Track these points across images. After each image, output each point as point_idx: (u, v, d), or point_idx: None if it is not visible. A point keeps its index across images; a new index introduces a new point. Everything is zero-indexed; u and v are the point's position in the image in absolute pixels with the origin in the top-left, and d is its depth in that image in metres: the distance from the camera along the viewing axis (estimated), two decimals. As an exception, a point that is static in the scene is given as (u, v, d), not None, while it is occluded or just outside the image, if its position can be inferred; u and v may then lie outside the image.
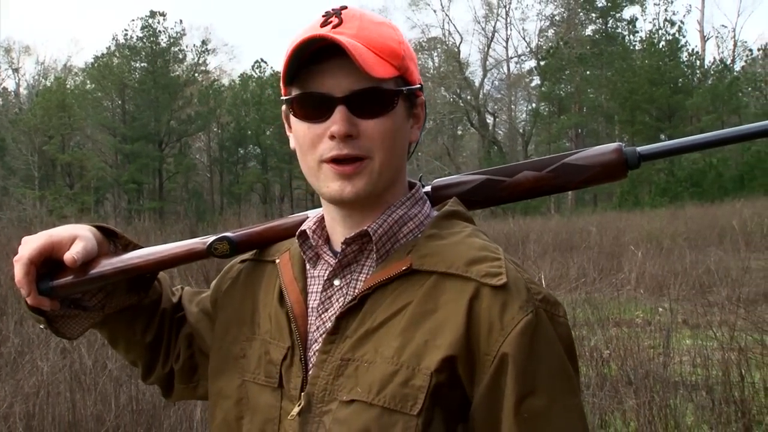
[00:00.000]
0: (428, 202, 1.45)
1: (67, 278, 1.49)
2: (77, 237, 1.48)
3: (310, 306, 1.40)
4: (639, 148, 1.48)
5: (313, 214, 1.50)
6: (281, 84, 1.37)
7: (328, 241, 1.44)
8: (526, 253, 15.16)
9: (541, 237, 18.29)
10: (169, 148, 52.23)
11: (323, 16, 1.35)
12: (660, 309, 9.52)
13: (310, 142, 1.33)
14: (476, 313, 1.25)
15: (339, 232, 1.41)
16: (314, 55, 1.29)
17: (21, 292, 1.48)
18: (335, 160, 1.31)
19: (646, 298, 10.99)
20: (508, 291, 1.25)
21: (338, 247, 1.40)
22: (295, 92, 1.35)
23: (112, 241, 1.57)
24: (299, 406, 1.32)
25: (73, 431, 5.28)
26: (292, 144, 1.40)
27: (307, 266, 1.44)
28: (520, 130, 58.09)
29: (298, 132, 1.35)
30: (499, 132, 58.85)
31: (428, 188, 1.51)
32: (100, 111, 51.64)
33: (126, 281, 1.57)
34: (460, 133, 60.53)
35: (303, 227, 1.44)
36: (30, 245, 1.46)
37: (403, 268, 1.31)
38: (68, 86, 54.58)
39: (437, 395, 1.23)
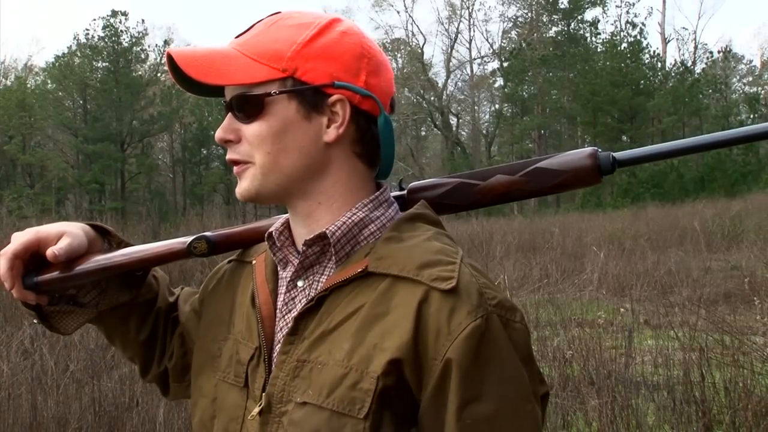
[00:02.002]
0: (395, 205, 1.44)
1: (52, 274, 1.52)
2: (64, 233, 1.51)
3: (279, 307, 1.41)
4: (615, 154, 1.48)
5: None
6: None
7: (294, 242, 1.45)
8: (490, 254, 15.21)
9: (504, 238, 18.36)
10: (131, 148, 51.75)
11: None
12: (622, 309, 9.58)
13: None
14: (425, 317, 1.23)
15: (295, 231, 1.43)
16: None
17: (6, 286, 1.50)
18: (229, 162, 1.39)
19: (608, 299, 11.08)
20: (457, 295, 1.23)
21: (301, 248, 1.41)
22: None
23: (105, 239, 1.60)
24: (260, 406, 1.33)
25: (35, 433, 5.24)
26: None
27: (279, 268, 1.45)
28: (484, 131, 58.31)
29: None
30: (463, 133, 59.09)
31: (404, 192, 1.51)
32: (61, 111, 51.02)
33: (119, 279, 1.60)
34: (423, 134, 60.66)
35: (270, 229, 1.45)
36: (16, 241, 1.50)
37: (359, 270, 1.31)
38: (29, 86, 53.96)
39: (384, 399, 1.23)
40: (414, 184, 1.52)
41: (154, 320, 1.68)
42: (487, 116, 60.39)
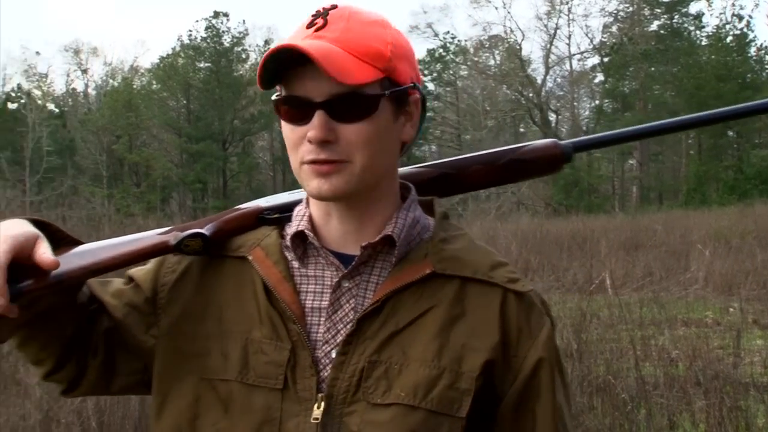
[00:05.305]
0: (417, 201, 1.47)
1: (32, 281, 1.35)
2: (39, 236, 1.35)
3: (309, 306, 1.39)
4: (571, 142, 1.61)
5: (266, 204, 1.49)
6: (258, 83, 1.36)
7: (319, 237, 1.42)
8: (595, 252, 14.98)
9: (605, 235, 18.11)
10: (232, 147, 52.70)
11: (312, 16, 1.36)
12: (730, 309, 9.38)
13: (293, 144, 1.34)
14: (507, 319, 1.34)
15: (335, 228, 1.40)
16: (297, 59, 1.29)
17: None
18: (314, 162, 1.32)
19: (714, 298, 10.84)
20: (529, 296, 1.37)
21: (333, 246, 1.40)
22: (282, 93, 1.35)
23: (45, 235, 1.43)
24: (320, 408, 1.31)
25: (143, 426, 5.37)
26: None
27: (295, 264, 1.42)
28: (584, 128, 57.46)
29: (284, 132, 1.36)
30: (562, 129, 58.29)
31: None
32: (165, 111, 52.30)
33: None
34: (522, 131, 60.11)
35: (300, 228, 1.41)
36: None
37: (427, 272, 1.34)
38: (135, 87, 55.48)
39: (477, 396, 1.29)
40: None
41: (79, 316, 1.51)
42: (587, 112, 59.60)
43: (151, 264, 1.55)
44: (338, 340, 1.34)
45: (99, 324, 1.52)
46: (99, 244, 1.46)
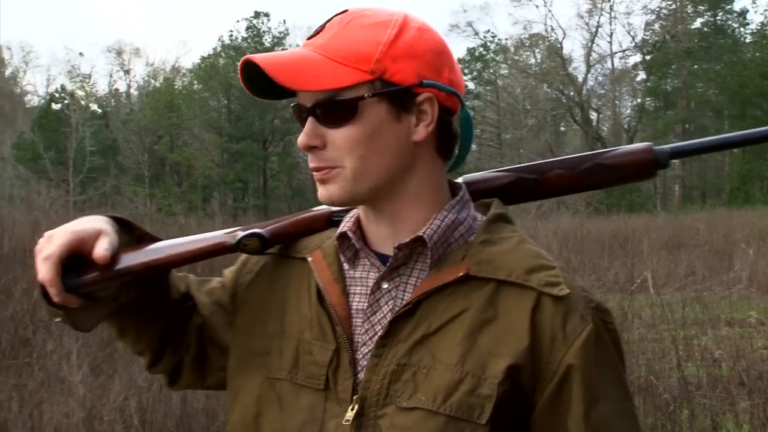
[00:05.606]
0: (471, 203, 1.43)
1: (94, 274, 1.44)
2: (101, 231, 1.44)
3: (354, 308, 1.39)
4: (669, 147, 1.50)
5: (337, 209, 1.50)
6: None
7: (366, 241, 1.43)
8: (637, 251, 14.87)
9: (647, 234, 17.97)
10: (272, 146, 52.92)
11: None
12: (774, 309, 9.27)
13: None
14: (539, 323, 1.27)
15: (374, 231, 1.41)
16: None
17: (50, 291, 1.41)
18: (312, 169, 1.35)
19: (759, 298, 10.71)
20: (568, 300, 1.28)
21: (378, 247, 1.40)
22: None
23: (127, 232, 1.53)
24: (353, 410, 1.31)
25: (185, 424, 5.41)
26: None
27: (345, 266, 1.43)
28: (625, 126, 56.99)
29: None
30: (603, 128, 57.86)
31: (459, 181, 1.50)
32: (206, 111, 52.59)
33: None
34: (563, 129, 59.78)
35: (343, 229, 1.42)
36: (57, 242, 1.40)
37: (461, 274, 1.31)
38: (176, 87, 55.90)
39: (501, 403, 1.25)
40: (468, 176, 1.51)
41: (170, 312, 1.59)
42: (629, 111, 59.09)
43: (237, 264, 1.61)
44: (374, 342, 1.34)
45: (192, 320, 1.61)
46: (168, 242, 1.52)
